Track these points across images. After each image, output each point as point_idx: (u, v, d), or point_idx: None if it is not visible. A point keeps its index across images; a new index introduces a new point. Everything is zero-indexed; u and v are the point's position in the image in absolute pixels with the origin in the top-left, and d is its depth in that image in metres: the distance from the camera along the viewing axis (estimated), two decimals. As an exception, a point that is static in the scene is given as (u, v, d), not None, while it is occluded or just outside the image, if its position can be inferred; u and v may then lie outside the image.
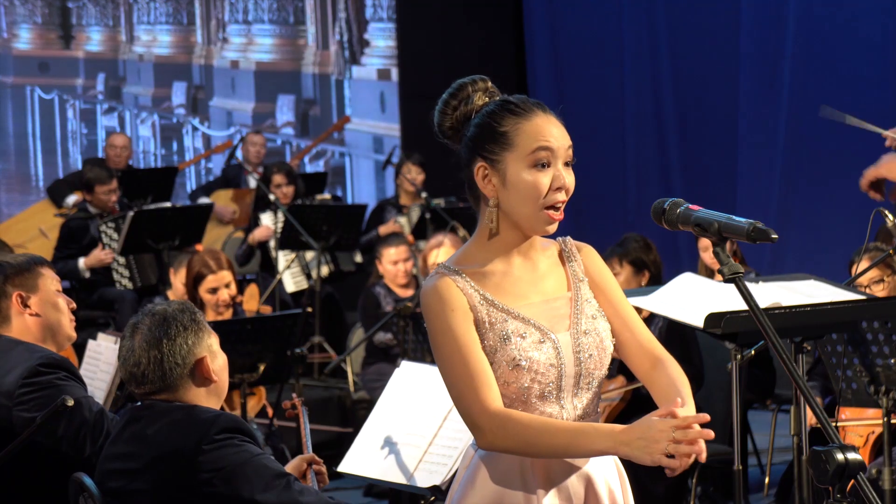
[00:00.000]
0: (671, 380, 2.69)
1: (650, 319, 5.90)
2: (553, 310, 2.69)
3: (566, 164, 2.66)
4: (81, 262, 8.57)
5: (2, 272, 3.90)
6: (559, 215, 2.65)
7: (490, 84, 2.75)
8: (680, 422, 2.48)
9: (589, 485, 2.68)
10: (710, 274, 6.45)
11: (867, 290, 5.30)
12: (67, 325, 3.99)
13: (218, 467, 3.18)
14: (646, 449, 2.48)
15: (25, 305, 3.90)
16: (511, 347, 2.62)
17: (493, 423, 2.57)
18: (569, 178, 2.65)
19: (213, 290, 5.91)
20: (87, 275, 8.59)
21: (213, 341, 3.36)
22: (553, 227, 2.67)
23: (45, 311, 3.92)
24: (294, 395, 4.55)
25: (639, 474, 5.80)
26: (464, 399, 2.61)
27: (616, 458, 2.74)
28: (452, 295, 2.64)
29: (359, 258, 9.52)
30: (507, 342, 2.62)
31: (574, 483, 2.67)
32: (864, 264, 5.26)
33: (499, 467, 2.67)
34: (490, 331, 2.63)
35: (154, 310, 3.34)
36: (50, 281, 3.96)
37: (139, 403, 3.34)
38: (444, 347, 2.63)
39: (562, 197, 2.64)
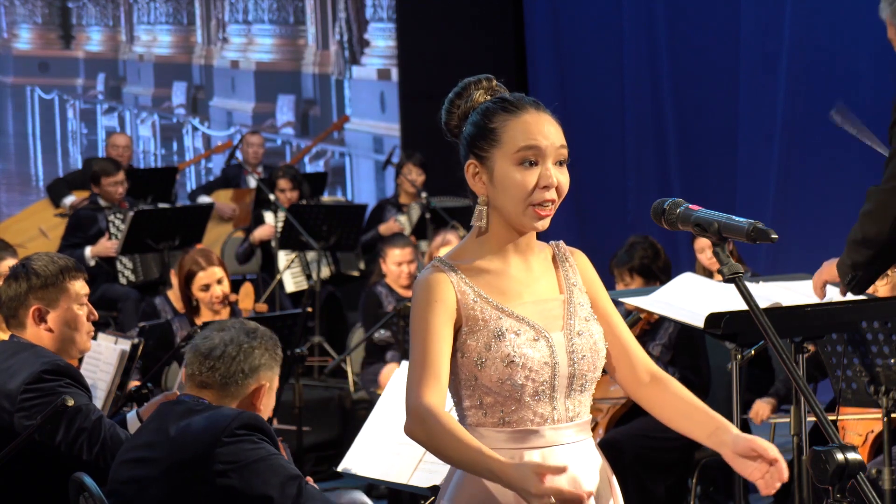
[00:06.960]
0: (678, 394, 2.75)
1: (660, 324, 5.86)
2: (546, 310, 2.67)
3: (559, 163, 2.63)
4: (88, 250, 8.69)
5: (26, 281, 3.88)
6: (547, 212, 2.61)
7: (495, 83, 2.72)
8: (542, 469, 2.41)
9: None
10: (707, 275, 6.43)
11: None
12: (82, 340, 3.95)
13: (234, 460, 3.29)
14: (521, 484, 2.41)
15: (42, 320, 3.88)
16: (505, 344, 2.60)
17: (419, 413, 2.56)
18: (561, 178, 2.61)
19: (206, 288, 5.86)
20: (93, 263, 8.66)
21: (276, 378, 3.51)
22: (543, 224, 2.63)
23: (60, 328, 3.90)
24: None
25: (640, 475, 5.81)
26: (409, 384, 2.60)
27: (611, 475, 2.73)
28: (441, 289, 2.62)
29: (362, 264, 9.50)
30: (502, 339, 2.60)
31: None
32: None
33: None
34: (484, 328, 2.61)
35: (247, 322, 3.53)
36: (74, 296, 3.91)
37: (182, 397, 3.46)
38: (415, 335, 2.62)
39: (549, 196, 2.60)
